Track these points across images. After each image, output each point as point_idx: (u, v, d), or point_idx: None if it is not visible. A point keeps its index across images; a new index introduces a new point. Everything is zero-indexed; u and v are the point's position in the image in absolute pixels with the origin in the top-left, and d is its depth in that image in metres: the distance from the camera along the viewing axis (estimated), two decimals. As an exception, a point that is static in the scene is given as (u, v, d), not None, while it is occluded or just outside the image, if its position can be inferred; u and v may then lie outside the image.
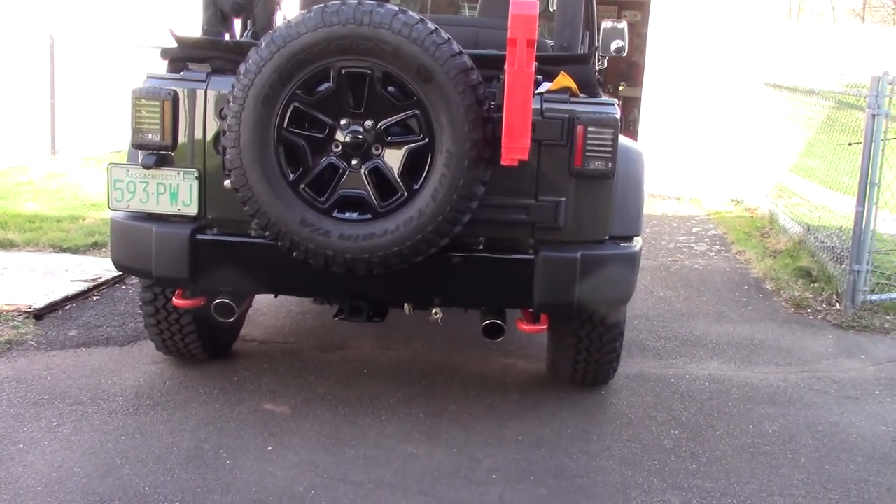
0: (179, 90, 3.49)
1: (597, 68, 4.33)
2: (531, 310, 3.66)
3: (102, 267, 5.84)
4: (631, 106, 11.99)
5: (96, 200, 8.11)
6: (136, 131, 3.51)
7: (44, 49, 10.86)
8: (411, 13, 3.11)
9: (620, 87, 12.78)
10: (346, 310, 3.72)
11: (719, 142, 10.20)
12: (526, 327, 3.76)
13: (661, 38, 10.48)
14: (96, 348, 4.59)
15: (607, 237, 3.59)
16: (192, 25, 4.26)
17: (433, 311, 3.78)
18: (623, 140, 3.61)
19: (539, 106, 3.37)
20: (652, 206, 9.48)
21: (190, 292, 3.82)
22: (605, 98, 3.58)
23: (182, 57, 3.62)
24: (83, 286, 5.47)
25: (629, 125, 11.46)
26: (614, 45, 5.15)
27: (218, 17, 4.06)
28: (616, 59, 7.27)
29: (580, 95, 3.49)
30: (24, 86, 10.60)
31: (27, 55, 10.67)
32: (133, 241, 3.64)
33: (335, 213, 3.28)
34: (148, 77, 3.58)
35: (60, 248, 6.43)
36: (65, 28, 11.14)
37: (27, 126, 10.56)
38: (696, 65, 10.22)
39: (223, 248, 3.59)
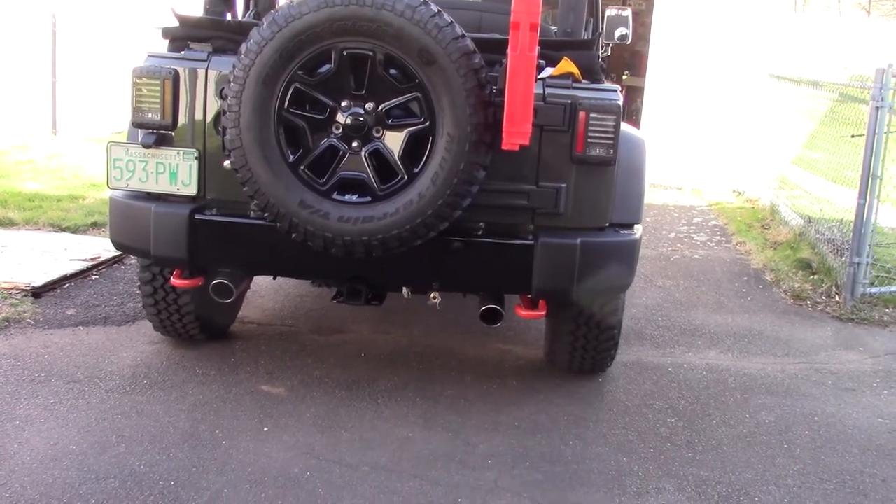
0: (180, 69, 3.48)
1: (600, 55, 4.30)
2: (530, 296, 3.65)
3: (101, 246, 5.83)
4: (634, 95, 11.97)
5: (96, 180, 8.10)
6: (136, 110, 3.50)
7: (46, 28, 10.83)
8: (414, -5, 3.09)
9: (624, 77, 12.75)
10: (344, 293, 3.72)
11: (722, 133, 10.18)
12: (524, 313, 3.75)
13: (666, 27, 10.44)
14: (94, 327, 4.59)
15: (607, 224, 3.58)
16: (194, 5, 4.23)
17: (431, 295, 3.78)
18: (625, 127, 3.59)
19: (541, 91, 3.35)
20: (653, 196, 9.47)
21: (188, 272, 3.80)
22: (607, 84, 3.56)
23: (183, 36, 3.60)
24: (82, 265, 5.47)
25: (632, 115, 11.44)
26: (618, 32, 5.13)
27: (220, -3, 4.03)
28: (620, 48, 7.26)
29: (583, 81, 3.47)
30: (25, 65, 10.57)
31: (29, 34, 10.64)
32: (132, 221, 3.63)
33: (335, 196, 3.28)
34: (149, 56, 3.56)
35: (60, 227, 6.43)
36: (67, 7, 11.10)
37: (28, 105, 10.54)
38: (700, 55, 10.19)
39: (222, 228, 3.58)
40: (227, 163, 3.29)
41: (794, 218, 7.82)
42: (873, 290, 5.92)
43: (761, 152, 9.62)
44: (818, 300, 5.92)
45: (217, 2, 4.02)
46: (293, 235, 3.28)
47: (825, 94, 7.69)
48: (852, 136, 6.45)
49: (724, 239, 7.85)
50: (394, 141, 3.27)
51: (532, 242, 3.48)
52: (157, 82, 3.46)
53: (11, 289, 4.94)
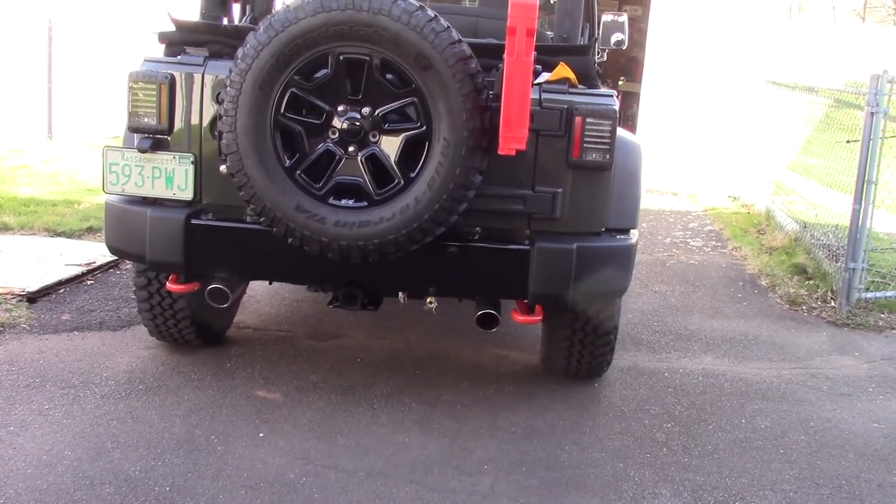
0: (176, 74, 3.47)
1: (596, 60, 4.30)
2: (526, 300, 3.65)
3: (97, 251, 5.82)
4: (630, 101, 11.98)
5: (92, 185, 8.09)
6: (132, 114, 3.49)
7: (42, 33, 10.81)
8: (411, 0, 3.10)
9: (620, 82, 12.77)
10: (340, 297, 3.71)
11: (717, 138, 10.19)
12: (520, 318, 3.74)
13: (662, 33, 10.46)
14: (89, 332, 4.57)
15: (604, 229, 3.58)
16: (191, 9, 4.23)
17: (428, 300, 3.77)
18: (621, 132, 3.60)
19: (538, 96, 3.35)
20: (649, 201, 9.48)
21: (184, 277, 3.79)
22: (603, 90, 3.56)
23: (180, 40, 3.59)
24: (77, 270, 5.46)
25: (628, 120, 11.45)
26: (614, 37, 5.14)
27: (216, 1, 4.02)
28: (616, 53, 7.26)
29: (579, 86, 3.47)
30: (21, 69, 10.55)
31: (25, 39, 10.63)
32: (127, 225, 3.62)
33: (331, 200, 3.27)
34: (145, 60, 3.56)
35: (55, 232, 6.41)
36: (63, 12, 11.09)
37: (24, 110, 10.52)
38: (695, 61, 10.20)
39: (218, 233, 3.57)
40: (223, 167, 3.28)
41: (789, 223, 7.83)
42: (868, 295, 5.93)
43: (757, 158, 9.63)
44: (814, 305, 5.93)
45: (213, 6, 4.02)
46: (289, 240, 3.28)
47: (820, 100, 7.71)
48: (847, 142, 6.47)
49: (719, 244, 7.86)
50: (390, 146, 3.27)
51: (528, 247, 3.48)
52: (154, 87, 3.46)
53: (6, 294, 4.92)
